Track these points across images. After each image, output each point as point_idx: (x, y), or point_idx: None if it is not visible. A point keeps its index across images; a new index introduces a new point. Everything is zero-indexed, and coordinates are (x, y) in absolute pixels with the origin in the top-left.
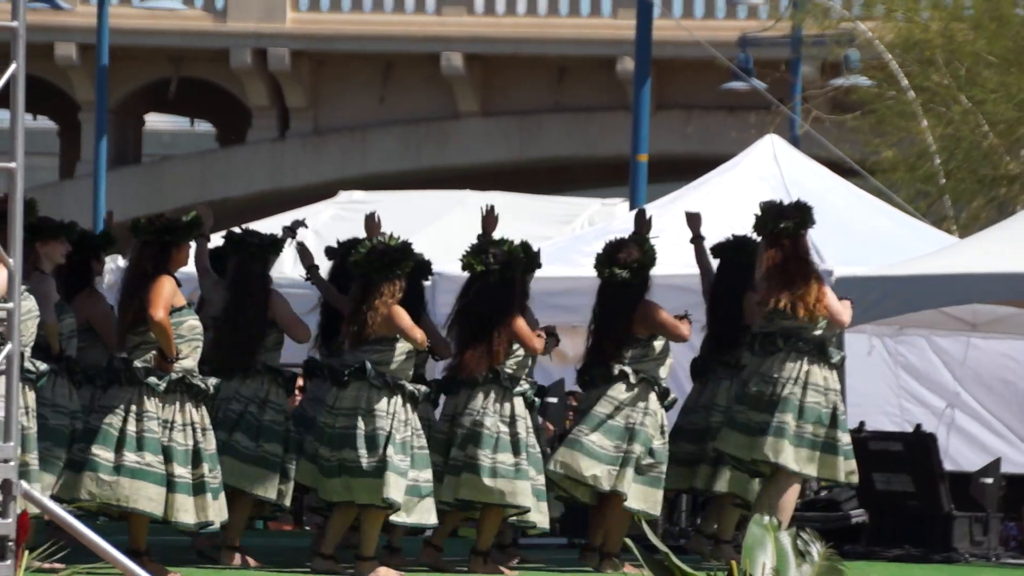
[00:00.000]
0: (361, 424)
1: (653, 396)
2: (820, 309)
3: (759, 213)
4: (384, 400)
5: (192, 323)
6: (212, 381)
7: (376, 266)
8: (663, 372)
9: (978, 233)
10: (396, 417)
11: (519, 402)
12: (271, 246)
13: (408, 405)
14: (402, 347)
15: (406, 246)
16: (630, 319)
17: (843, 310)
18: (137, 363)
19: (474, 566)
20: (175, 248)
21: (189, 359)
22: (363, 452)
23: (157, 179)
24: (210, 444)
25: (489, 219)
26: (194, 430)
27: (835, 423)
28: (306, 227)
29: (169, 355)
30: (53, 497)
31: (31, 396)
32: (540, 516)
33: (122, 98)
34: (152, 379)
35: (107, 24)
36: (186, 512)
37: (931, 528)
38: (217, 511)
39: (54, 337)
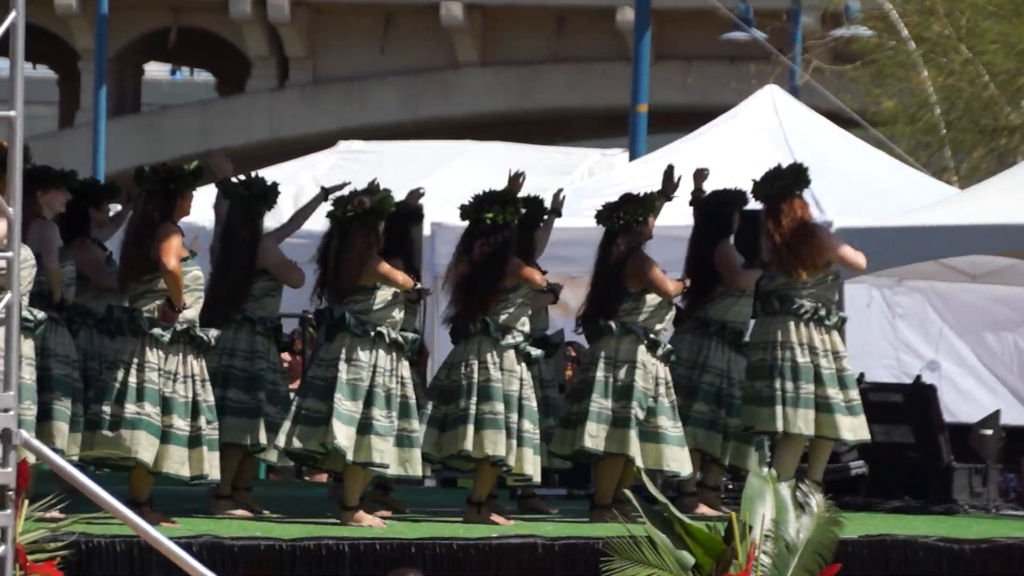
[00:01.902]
0: (343, 371)
1: (642, 348)
2: (819, 263)
3: (758, 180)
4: (366, 350)
5: (196, 273)
6: (213, 333)
7: (348, 217)
8: (657, 325)
9: (978, 184)
10: (378, 368)
11: (510, 354)
12: (260, 196)
13: (394, 354)
14: (383, 295)
15: (381, 195)
16: (620, 272)
17: (855, 255)
18: (142, 313)
19: (469, 516)
20: (180, 196)
21: (192, 310)
22: (343, 400)
23: (156, 128)
24: (209, 396)
25: (515, 182)
26: (194, 382)
27: (829, 381)
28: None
29: (177, 304)
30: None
31: (29, 345)
32: (532, 468)
33: (122, 47)
34: (156, 330)
35: None
36: (180, 464)
37: (930, 479)
38: (212, 465)
39: (57, 284)
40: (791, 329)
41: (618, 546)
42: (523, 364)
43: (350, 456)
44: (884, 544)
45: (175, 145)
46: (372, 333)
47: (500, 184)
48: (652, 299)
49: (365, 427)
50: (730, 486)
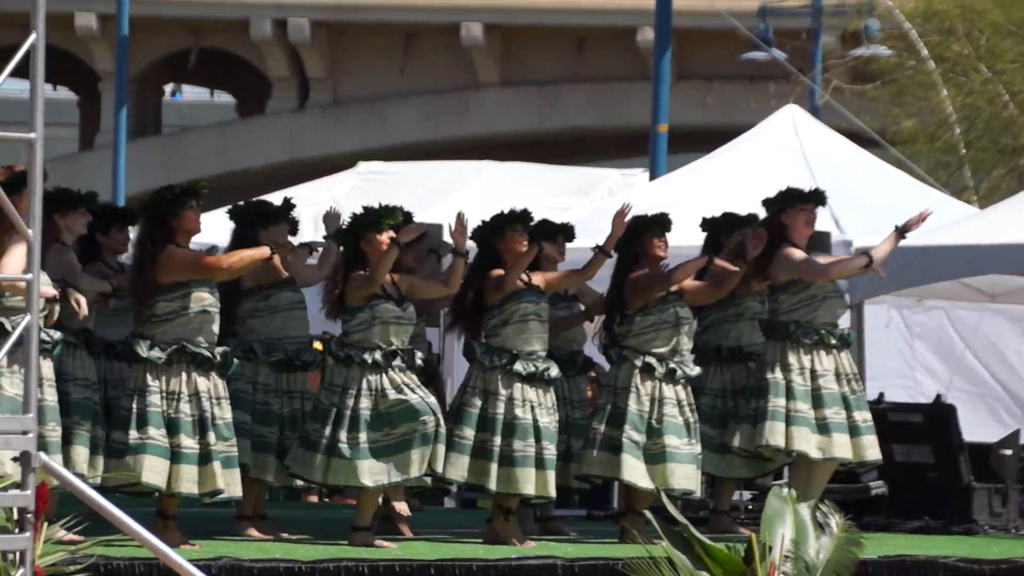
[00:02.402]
0: (322, 395)
1: (637, 372)
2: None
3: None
4: (341, 373)
5: (199, 295)
6: (219, 350)
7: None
8: (658, 348)
9: (998, 203)
10: (359, 392)
11: (494, 376)
12: (250, 215)
13: (372, 374)
14: (363, 316)
15: (374, 214)
16: (619, 297)
17: (798, 263)
18: (140, 341)
19: (495, 523)
20: (173, 218)
21: (192, 330)
22: (315, 426)
23: (177, 150)
24: (223, 414)
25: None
26: (199, 399)
27: (801, 397)
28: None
29: (263, 255)
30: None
31: (47, 366)
32: (537, 486)
33: (142, 69)
34: (153, 353)
35: None
36: (190, 482)
37: (950, 499)
38: (228, 480)
39: (90, 299)
40: (770, 350)
41: (638, 567)
42: (518, 385)
43: (316, 477)
44: (904, 564)
45: (196, 166)
46: (343, 356)
47: (521, 204)
48: (644, 320)
49: (331, 448)
50: (749, 507)
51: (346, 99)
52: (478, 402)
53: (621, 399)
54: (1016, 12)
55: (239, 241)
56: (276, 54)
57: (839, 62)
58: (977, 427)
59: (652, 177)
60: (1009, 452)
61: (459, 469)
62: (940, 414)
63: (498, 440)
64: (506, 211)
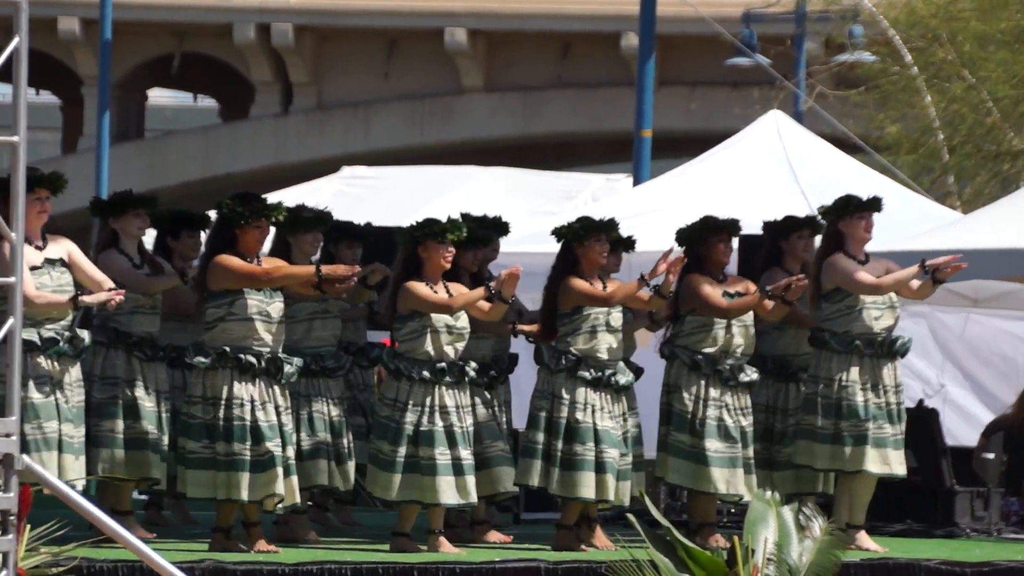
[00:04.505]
0: (378, 409)
1: (684, 371)
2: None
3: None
4: (394, 387)
5: (247, 301)
6: (268, 356)
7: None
8: (706, 348)
9: (981, 209)
10: (409, 406)
11: (558, 379)
12: (289, 223)
13: (420, 388)
14: (413, 325)
15: (423, 222)
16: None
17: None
18: (192, 347)
19: (558, 540)
20: (239, 230)
21: (239, 336)
22: (379, 443)
23: (160, 154)
24: (268, 417)
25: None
26: (241, 405)
27: (805, 409)
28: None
29: (307, 273)
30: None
31: (75, 369)
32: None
33: (125, 73)
34: (198, 359)
35: None
36: (196, 486)
37: (933, 503)
38: (286, 488)
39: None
40: (811, 363)
41: (621, 569)
42: (582, 389)
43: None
44: (886, 567)
45: (179, 171)
46: (393, 368)
47: (503, 210)
48: (693, 320)
49: (373, 459)
50: (732, 510)
51: (330, 104)
52: (546, 405)
53: (668, 398)
54: (996, 22)
55: (280, 245)
56: (260, 59)
57: (823, 68)
58: (968, 433)
59: (636, 182)
60: (991, 456)
61: (531, 474)
62: (922, 418)
63: (560, 444)
64: (594, 219)
